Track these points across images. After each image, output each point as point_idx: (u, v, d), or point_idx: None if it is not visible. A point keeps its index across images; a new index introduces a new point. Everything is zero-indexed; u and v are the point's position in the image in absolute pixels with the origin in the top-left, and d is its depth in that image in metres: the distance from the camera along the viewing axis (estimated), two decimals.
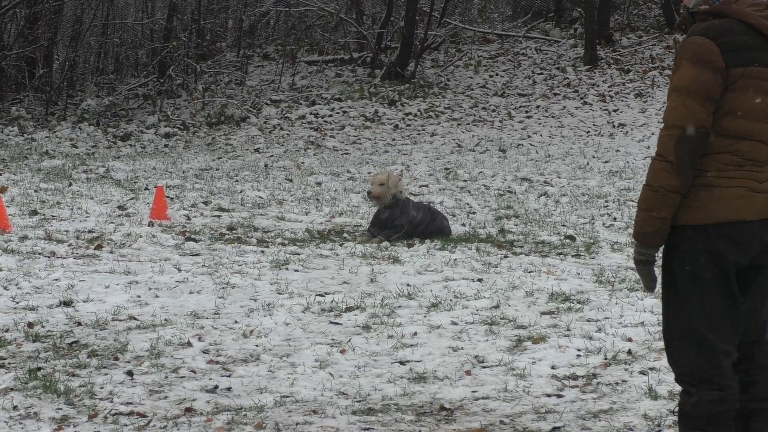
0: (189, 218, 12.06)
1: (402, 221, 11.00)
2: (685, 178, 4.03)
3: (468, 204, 13.64)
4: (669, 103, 4.08)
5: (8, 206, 11.82)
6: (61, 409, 5.70)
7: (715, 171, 4.06)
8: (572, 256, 10.30)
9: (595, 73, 25.93)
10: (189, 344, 6.91)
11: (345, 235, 11.31)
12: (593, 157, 19.08)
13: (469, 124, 22.77)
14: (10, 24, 24.87)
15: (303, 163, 18.13)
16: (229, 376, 6.34)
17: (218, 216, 12.36)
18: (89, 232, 10.87)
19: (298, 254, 10.07)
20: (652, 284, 4.18)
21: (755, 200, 4.08)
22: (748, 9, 4.09)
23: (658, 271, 4.17)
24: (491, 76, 26.27)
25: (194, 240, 10.66)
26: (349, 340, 7.06)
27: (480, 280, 8.93)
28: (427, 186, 15.36)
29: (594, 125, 22.48)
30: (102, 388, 6.03)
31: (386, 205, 11.09)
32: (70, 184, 14.36)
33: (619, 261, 10.01)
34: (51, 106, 23.53)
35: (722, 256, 4.05)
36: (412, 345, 6.98)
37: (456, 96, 24.75)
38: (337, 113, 23.32)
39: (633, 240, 4.18)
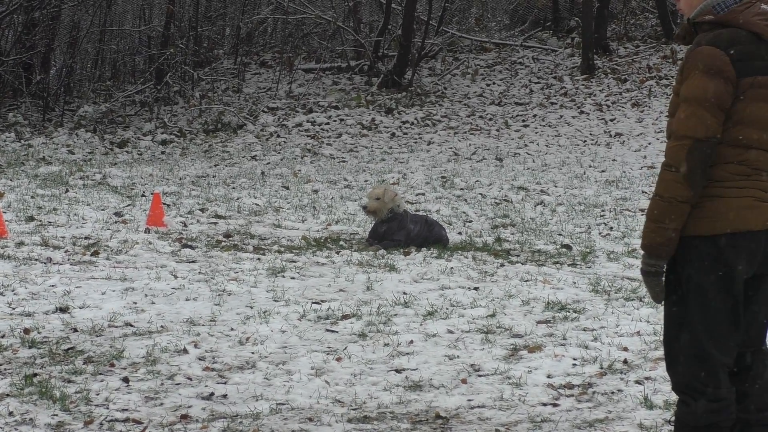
0: (185, 225, 12.06)
1: (399, 236, 10.99)
2: (696, 188, 4.02)
3: (464, 212, 13.65)
4: (679, 113, 4.06)
5: (5, 212, 11.82)
6: (56, 415, 5.70)
7: (724, 181, 4.05)
8: (568, 265, 10.30)
9: (592, 82, 25.95)
10: (185, 351, 6.90)
11: (341, 242, 11.31)
12: (590, 167, 19.09)
13: (465, 132, 22.78)
14: (8, 30, 24.88)
15: (300, 170, 18.13)
16: (224, 383, 6.33)
17: (215, 223, 12.36)
18: (86, 238, 10.87)
19: (295, 262, 10.07)
20: (660, 295, 4.16)
21: (762, 210, 4.08)
22: (754, 18, 4.08)
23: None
24: (488, 85, 26.30)
25: (191, 247, 10.66)
26: (345, 348, 7.06)
27: (476, 288, 8.93)
28: (423, 194, 15.36)
29: (591, 134, 22.50)
30: (98, 394, 6.03)
31: (383, 219, 11.08)
32: (67, 191, 14.36)
33: (615, 270, 10.01)
34: (48, 112, 23.53)
35: (731, 266, 4.05)
36: (408, 353, 6.98)
37: (453, 104, 24.77)
38: (334, 121, 23.33)
39: (641, 251, 4.15)
